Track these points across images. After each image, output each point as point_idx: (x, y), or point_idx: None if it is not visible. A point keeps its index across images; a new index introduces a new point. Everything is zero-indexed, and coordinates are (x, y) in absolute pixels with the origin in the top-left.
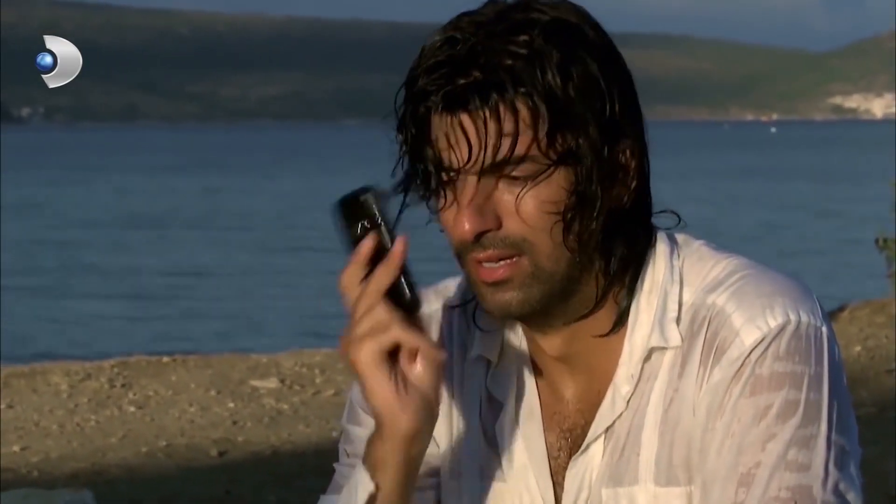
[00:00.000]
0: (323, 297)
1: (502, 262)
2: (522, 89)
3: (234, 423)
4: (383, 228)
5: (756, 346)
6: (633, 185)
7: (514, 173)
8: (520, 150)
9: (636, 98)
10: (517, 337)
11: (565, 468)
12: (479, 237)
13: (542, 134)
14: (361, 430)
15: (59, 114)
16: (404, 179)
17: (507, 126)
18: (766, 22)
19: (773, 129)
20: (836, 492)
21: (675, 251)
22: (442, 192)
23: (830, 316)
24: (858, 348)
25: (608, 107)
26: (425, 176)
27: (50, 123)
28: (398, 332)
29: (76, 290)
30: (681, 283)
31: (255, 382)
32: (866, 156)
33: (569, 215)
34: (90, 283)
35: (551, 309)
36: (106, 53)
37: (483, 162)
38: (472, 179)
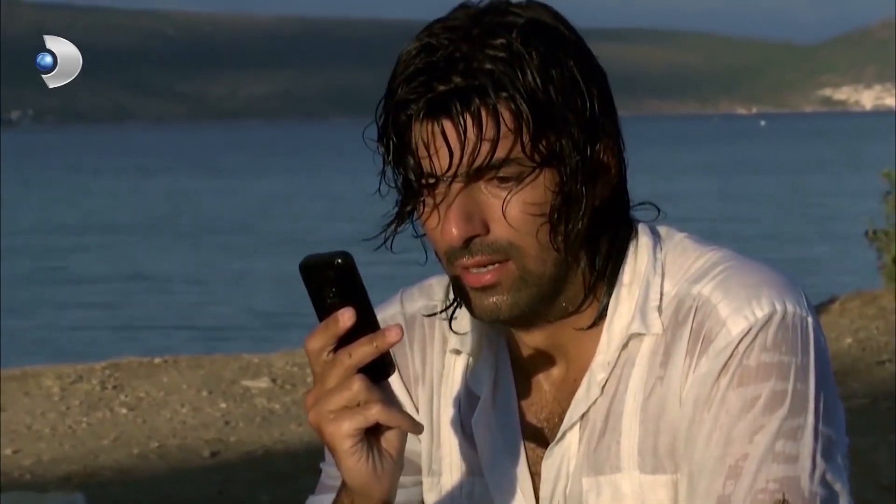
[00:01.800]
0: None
1: (490, 267)
2: (504, 93)
3: (226, 423)
4: (359, 300)
5: (744, 337)
6: (614, 181)
7: (499, 175)
8: (503, 153)
9: (611, 95)
10: (494, 330)
11: (542, 459)
12: (467, 243)
13: (525, 137)
14: None
15: (49, 116)
16: (400, 200)
17: (490, 130)
18: (753, 15)
19: (763, 122)
20: (824, 482)
21: (658, 244)
22: (425, 200)
23: (821, 308)
24: (850, 340)
25: (588, 106)
26: (407, 184)
27: (40, 125)
28: (379, 413)
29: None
30: (662, 273)
31: (247, 382)
32: (856, 147)
33: (555, 216)
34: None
35: (538, 309)
36: (94, 55)
37: (468, 167)
38: (457, 185)
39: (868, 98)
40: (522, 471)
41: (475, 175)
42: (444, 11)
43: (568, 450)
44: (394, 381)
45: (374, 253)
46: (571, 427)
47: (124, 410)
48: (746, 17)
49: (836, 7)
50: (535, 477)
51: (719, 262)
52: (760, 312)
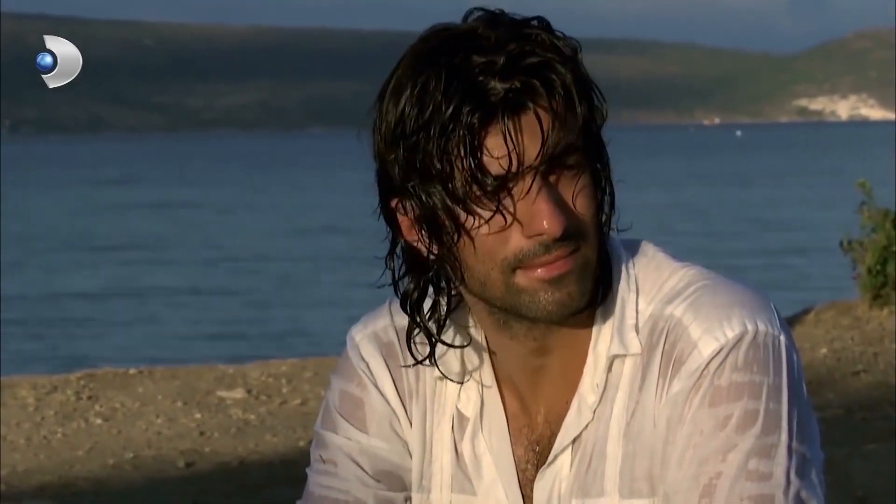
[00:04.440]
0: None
1: (563, 259)
2: (559, 83)
3: (201, 433)
4: None
5: (714, 357)
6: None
7: (567, 164)
8: (568, 140)
9: None
10: (478, 353)
11: (534, 480)
12: (563, 234)
13: (580, 126)
14: (337, 437)
15: (25, 126)
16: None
17: (558, 120)
18: (730, 25)
19: (739, 133)
20: (798, 500)
21: (630, 259)
22: (490, 209)
23: (796, 318)
24: (824, 350)
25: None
26: (479, 186)
27: (16, 136)
28: None
29: None
30: (637, 291)
31: (222, 393)
32: (831, 157)
33: (604, 200)
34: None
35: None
36: None
37: (546, 158)
38: (539, 180)
39: (844, 108)
40: (514, 493)
41: (549, 167)
42: (421, 24)
43: (559, 472)
44: (389, 393)
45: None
46: (563, 450)
47: (99, 421)
48: (724, 27)
49: (813, 18)
50: (526, 499)
51: (692, 281)
52: (731, 333)
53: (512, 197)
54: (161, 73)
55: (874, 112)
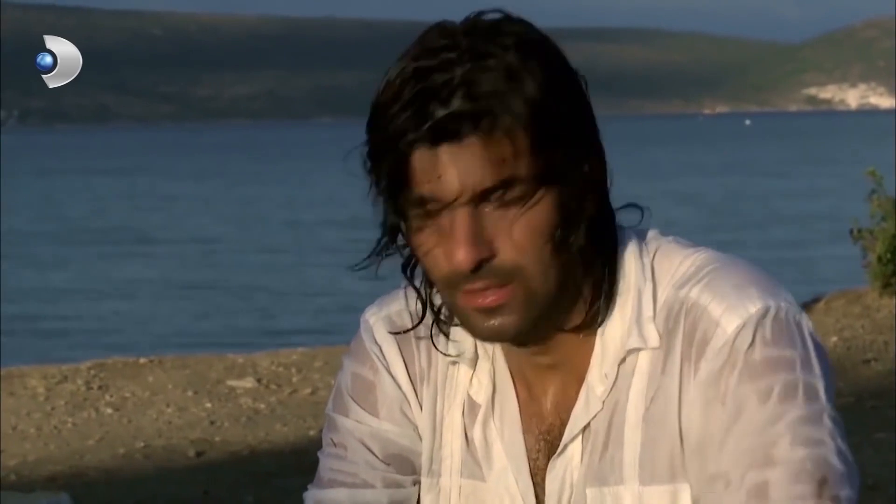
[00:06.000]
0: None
1: (495, 290)
2: (507, 114)
3: (212, 423)
4: None
5: (740, 332)
6: (602, 193)
7: (504, 198)
8: (508, 175)
9: (592, 107)
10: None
11: (545, 469)
12: (476, 268)
13: (527, 157)
14: (347, 420)
15: (33, 117)
16: (387, 224)
17: (495, 152)
18: (738, 14)
19: (748, 122)
20: (846, 460)
21: (644, 249)
22: (420, 225)
23: (806, 307)
24: (835, 339)
25: (582, 121)
26: (399, 211)
27: (25, 126)
28: None
29: None
30: (654, 281)
31: (232, 382)
32: (841, 146)
33: (558, 235)
34: None
35: (539, 325)
36: None
37: (473, 191)
38: (463, 210)
39: (853, 97)
40: (526, 481)
41: (480, 198)
42: (428, 13)
43: (571, 461)
44: (401, 376)
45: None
46: (573, 439)
47: (109, 410)
48: (731, 16)
49: (821, 6)
50: (538, 487)
51: (704, 264)
52: (753, 308)
53: (441, 221)
54: (168, 63)
55: (884, 101)
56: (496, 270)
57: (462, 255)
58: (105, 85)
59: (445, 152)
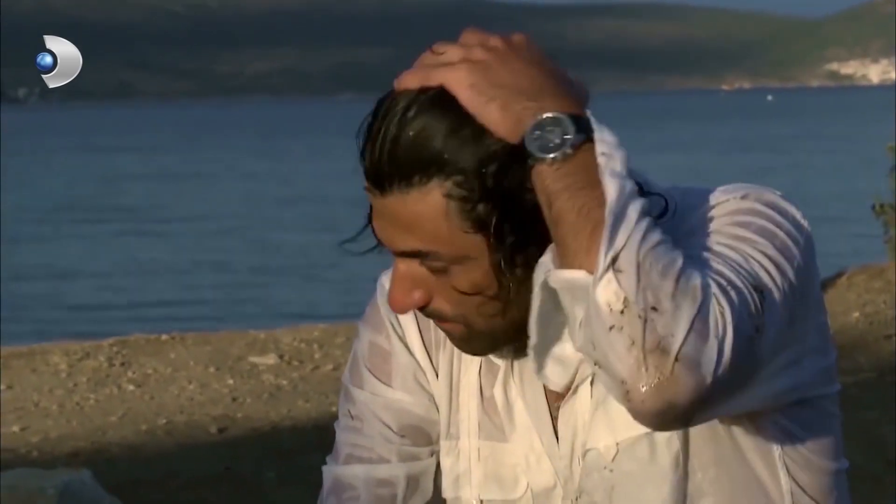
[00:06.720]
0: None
1: (441, 323)
2: (425, 176)
3: (234, 399)
4: None
5: (733, 195)
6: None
7: (426, 263)
8: (420, 246)
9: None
10: None
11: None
12: (421, 311)
13: (446, 224)
14: (363, 392)
15: (54, 93)
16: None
17: (407, 221)
18: None
19: (770, 97)
20: (757, 286)
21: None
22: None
23: (828, 282)
24: (856, 314)
25: (498, 159)
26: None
27: (46, 103)
28: None
29: None
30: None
31: (254, 359)
32: (863, 121)
33: (492, 291)
34: None
35: (510, 339)
36: (98, 31)
37: (394, 249)
38: (398, 259)
39: (875, 72)
40: (549, 438)
41: (406, 255)
42: None
43: (580, 404)
44: (415, 344)
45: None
46: (583, 381)
47: (132, 387)
48: None
49: None
50: (560, 441)
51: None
52: (754, 189)
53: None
54: (189, 40)
55: None
56: (433, 313)
57: (392, 302)
58: (126, 62)
59: (378, 203)
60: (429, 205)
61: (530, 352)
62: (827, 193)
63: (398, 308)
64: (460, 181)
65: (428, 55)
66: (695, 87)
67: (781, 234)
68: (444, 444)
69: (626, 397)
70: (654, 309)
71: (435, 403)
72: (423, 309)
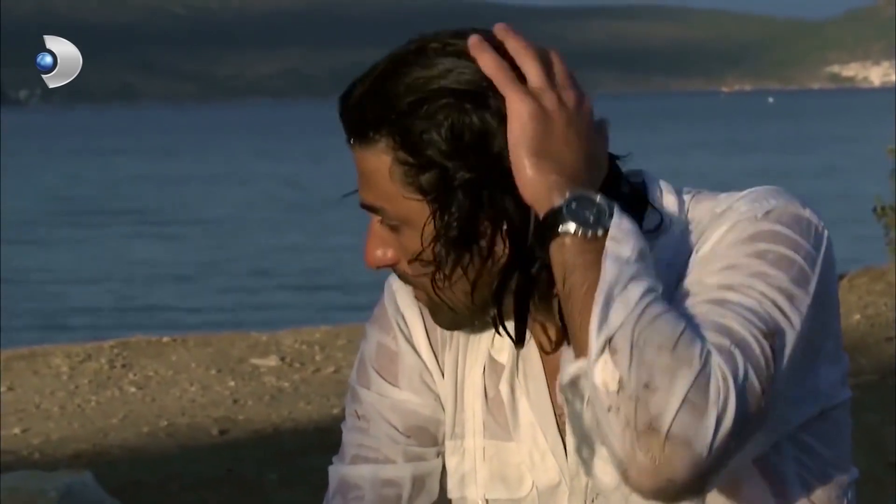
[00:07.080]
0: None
1: (412, 289)
2: (378, 135)
3: (235, 401)
4: None
5: (752, 210)
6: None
7: (387, 222)
8: (372, 200)
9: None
10: None
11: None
12: (385, 269)
13: (391, 184)
14: (369, 393)
15: (56, 95)
16: None
17: (366, 172)
18: None
19: (771, 99)
20: (770, 332)
21: (682, 201)
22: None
23: None
24: (858, 316)
25: (463, 135)
26: None
27: (47, 105)
28: None
29: None
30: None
31: (256, 361)
32: (864, 124)
33: (430, 260)
34: None
35: (486, 318)
36: (99, 33)
37: (360, 200)
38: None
39: (876, 75)
40: (554, 436)
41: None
42: None
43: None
44: (421, 344)
45: None
46: None
47: (133, 389)
48: None
49: None
50: (566, 441)
51: (730, 196)
52: (774, 202)
53: None
54: (191, 42)
55: None
56: (400, 275)
57: (365, 257)
58: (127, 64)
59: (356, 154)
60: (381, 162)
61: (573, 456)
62: (828, 195)
63: (367, 263)
64: (410, 147)
65: (517, 40)
66: (695, 88)
67: (800, 259)
68: (449, 444)
69: (626, 476)
70: (646, 387)
71: (441, 404)
72: (395, 269)
